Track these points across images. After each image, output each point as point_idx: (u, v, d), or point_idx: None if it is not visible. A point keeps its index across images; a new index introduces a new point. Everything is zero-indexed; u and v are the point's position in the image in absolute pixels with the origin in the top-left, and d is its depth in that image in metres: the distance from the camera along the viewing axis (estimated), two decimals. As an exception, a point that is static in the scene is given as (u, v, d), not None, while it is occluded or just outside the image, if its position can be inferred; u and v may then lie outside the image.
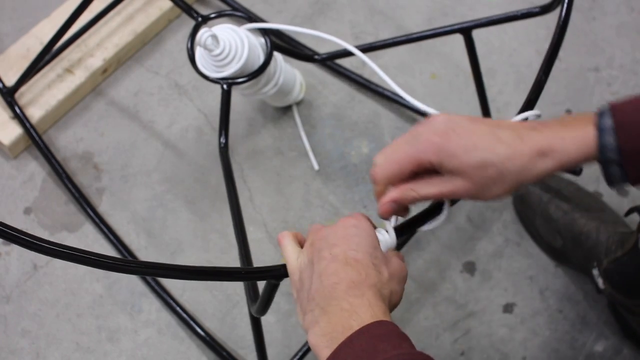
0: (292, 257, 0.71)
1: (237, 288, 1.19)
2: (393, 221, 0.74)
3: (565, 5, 0.86)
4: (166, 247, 1.22)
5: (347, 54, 1.12)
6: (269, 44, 1.07)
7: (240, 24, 1.08)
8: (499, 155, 0.66)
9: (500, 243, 1.23)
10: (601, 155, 0.66)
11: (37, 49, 1.28)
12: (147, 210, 1.25)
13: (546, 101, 1.33)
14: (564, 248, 1.16)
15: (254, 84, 1.10)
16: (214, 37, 1.01)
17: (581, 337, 1.16)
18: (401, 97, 0.99)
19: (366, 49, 1.13)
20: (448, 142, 0.67)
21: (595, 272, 1.10)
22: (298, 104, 1.34)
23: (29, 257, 1.21)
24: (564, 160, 0.66)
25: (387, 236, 0.72)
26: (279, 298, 1.15)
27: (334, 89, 1.36)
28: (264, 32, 1.07)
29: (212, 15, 1.08)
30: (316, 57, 1.20)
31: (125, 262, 0.67)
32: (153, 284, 1.18)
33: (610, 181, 0.67)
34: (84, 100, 1.36)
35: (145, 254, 1.22)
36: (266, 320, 1.13)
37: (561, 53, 1.13)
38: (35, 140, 1.27)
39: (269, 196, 1.27)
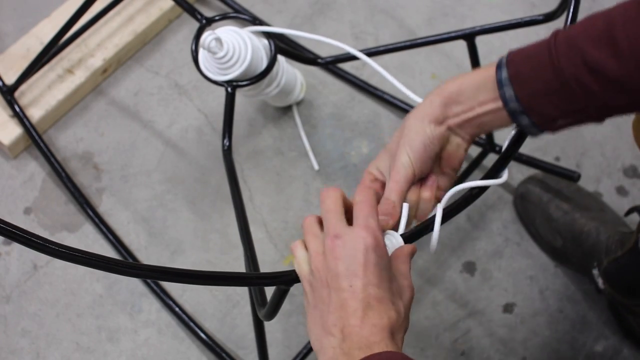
0: (305, 269, 0.69)
1: (237, 288, 1.19)
2: (403, 224, 0.74)
3: (570, 14, 0.86)
4: (166, 247, 1.22)
5: (350, 57, 1.11)
6: (273, 48, 1.06)
7: (242, 25, 1.08)
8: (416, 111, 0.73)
9: (500, 243, 1.23)
10: (506, 107, 0.69)
11: (38, 49, 1.28)
12: (147, 210, 1.25)
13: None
14: (564, 248, 1.16)
15: (257, 85, 1.10)
16: (218, 40, 1.01)
17: (581, 337, 1.16)
18: (400, 100, 0.99)
19: (371, 53, 1.12)
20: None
21: (595, 272, 1.10)
22: (298, 104, 1.34)
23: (29, 257, 1.21)
24: (474, 105, 0.70)
25: (394, 241, 0.72)
26: (279, 298, 1.15)
27: (334, 89, 1.36)
28: (268, 35, 1.07)
29: (217, 18, 1.08)
30: (320, 60, 1.19)
31: (132, 266, 0.67)
32: (153, 284, 1.18)
33: (525, 130, 0.71)
34: (84, 100, 1.36)
35: (146, 254, 1.22)
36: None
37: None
38: (35, 140, 1.27)
39: (269, 196, 1.27)
